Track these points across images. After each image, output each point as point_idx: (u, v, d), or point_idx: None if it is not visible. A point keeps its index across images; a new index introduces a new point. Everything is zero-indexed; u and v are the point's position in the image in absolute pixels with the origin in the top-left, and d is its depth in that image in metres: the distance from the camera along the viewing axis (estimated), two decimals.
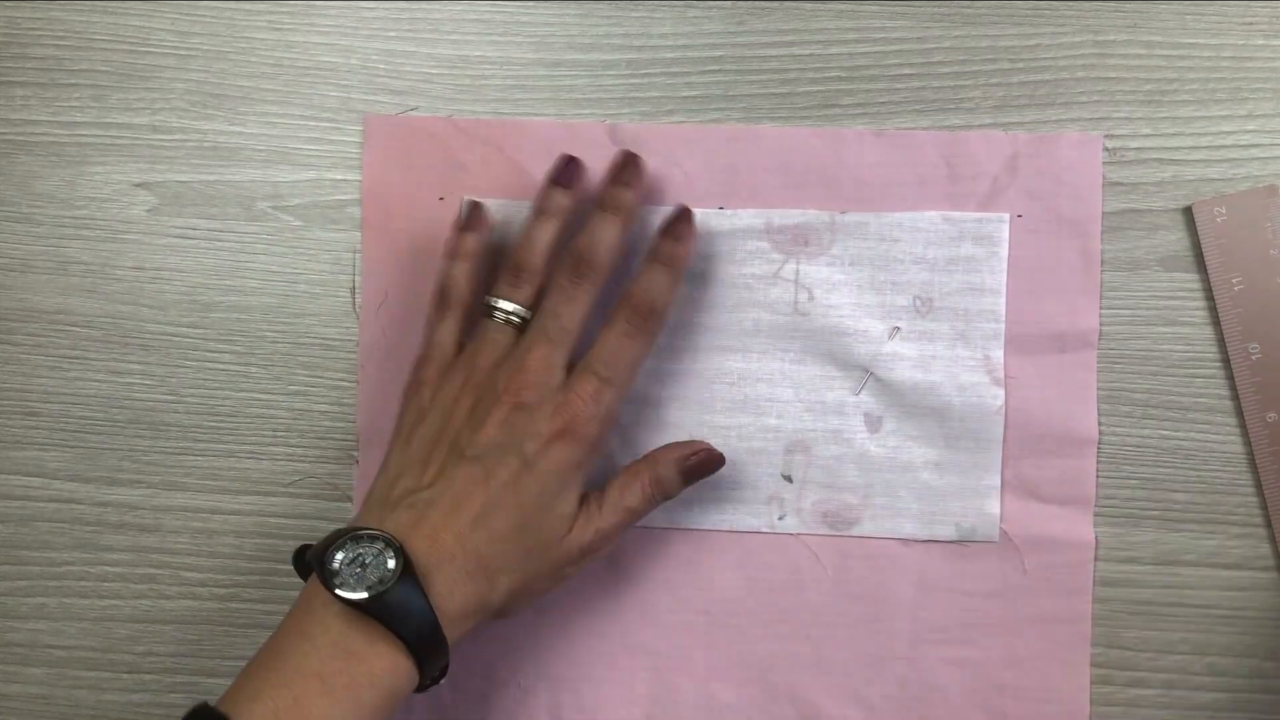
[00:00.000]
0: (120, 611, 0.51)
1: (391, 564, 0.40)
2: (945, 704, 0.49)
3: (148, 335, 0.51)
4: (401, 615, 0.40)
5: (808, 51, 0.50)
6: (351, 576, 0.40)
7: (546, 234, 0.46)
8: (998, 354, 0.49)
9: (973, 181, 0.49)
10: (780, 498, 0.49)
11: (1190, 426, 0.49)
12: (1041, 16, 0.49)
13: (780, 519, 0.49)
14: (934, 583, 0.49)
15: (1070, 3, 0.49)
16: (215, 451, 0.51)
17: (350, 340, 0.50)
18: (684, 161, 0.50)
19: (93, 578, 0.51)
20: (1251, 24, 0.49)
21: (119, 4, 0.51)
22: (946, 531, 0.49)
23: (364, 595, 0.39)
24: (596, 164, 0.49)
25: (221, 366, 0.51)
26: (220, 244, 0.51)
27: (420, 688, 0.42)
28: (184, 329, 0.51)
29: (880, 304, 0.49)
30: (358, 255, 0.50)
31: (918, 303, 0.49)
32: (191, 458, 0.51)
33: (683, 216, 0.47)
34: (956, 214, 0.49)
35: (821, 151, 0.49)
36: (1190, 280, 0.49)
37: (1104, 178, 0.49)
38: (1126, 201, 0.49)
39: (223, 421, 0.51)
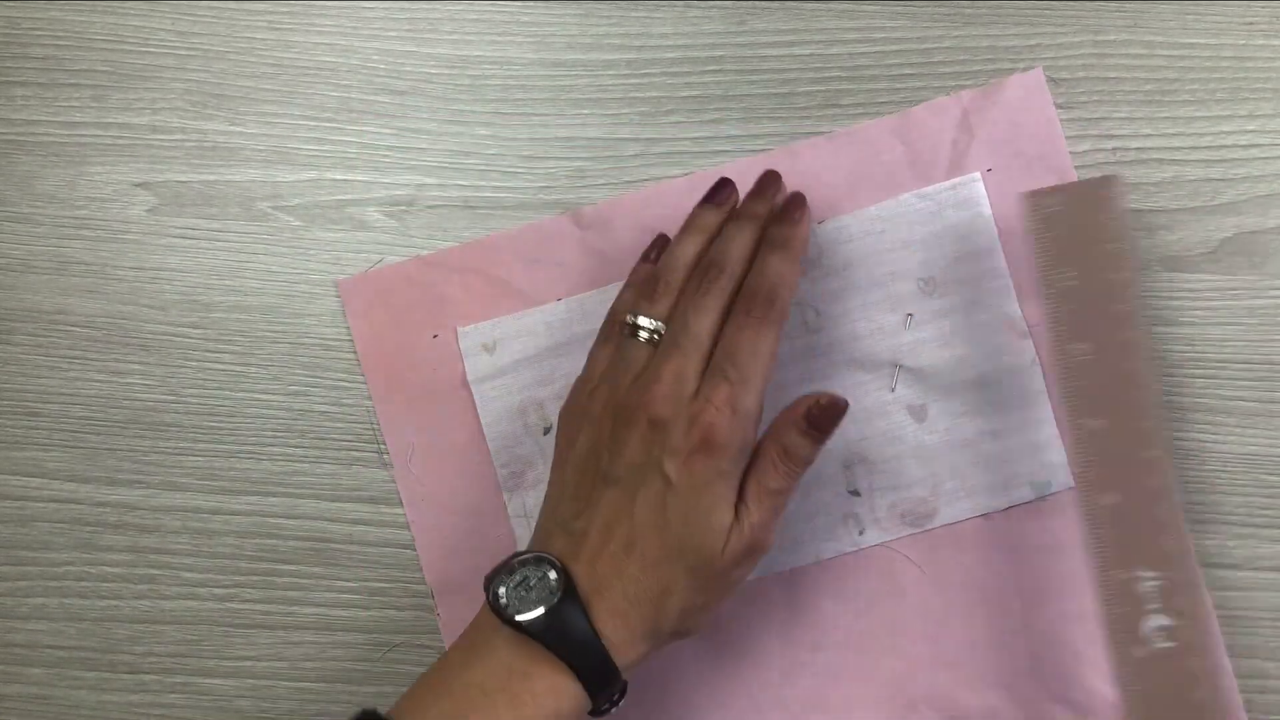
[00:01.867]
0: (120, 611, 0.51)
1: (554, 583, 0.40)
2: (1075, 658, 0.48)
3: (148, 335, 0.51)
4: (564, 636, 0.40)
5: (808, 51, 0.50)
6: (517, 599, 0.40)
7: (689, 249, 0.45)
8: (1013, 308, 0.48)
9: (933, 152, 0.49)
10: (854, 514, 0.49)
11: (1191, 426, 0.49)
12: (1041, 16, 0.49)
13: (860, 534, 0.49)
14: (1029, 546, 0.48)
15: (1070, 3, 0.49)
16: (215, 451, 0.51)
17: (348, 341, 0.50)
18: (655, 225, 0.49)
19: (92, 578, 0.51)
20: (1251, 24, 0.49)
21: (119, 4, 0.51)
22: (1023, 494, 0.48)
23: (527, 617, 0.40)
24: (568, 256, 0.50)
25: (221, 366, 0.51)
26: (220, 244, 0.51)
27: (598, 712, 0.42)
28: (184, 329, 0.51)
29: (887, 297, 0.49)
30: (373, 412, 0.50)
31: (922, 284, 0.49)
32: (191, 458, 0.51)
33: (794, 200, 0.46)
34: (928, 188, 0.49)
35: (782, 172, 0.49)
36: (1190, 280, 0.49)
37: (1061, 118, 0.49)
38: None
39: (222, 421, 0.51)
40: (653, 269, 0.46)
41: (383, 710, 0.40)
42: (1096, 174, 0.49)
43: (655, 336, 0.44)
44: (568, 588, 0.40)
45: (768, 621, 0.49)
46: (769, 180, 0.47)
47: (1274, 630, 0.48)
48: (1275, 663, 0.48)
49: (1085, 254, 0.46)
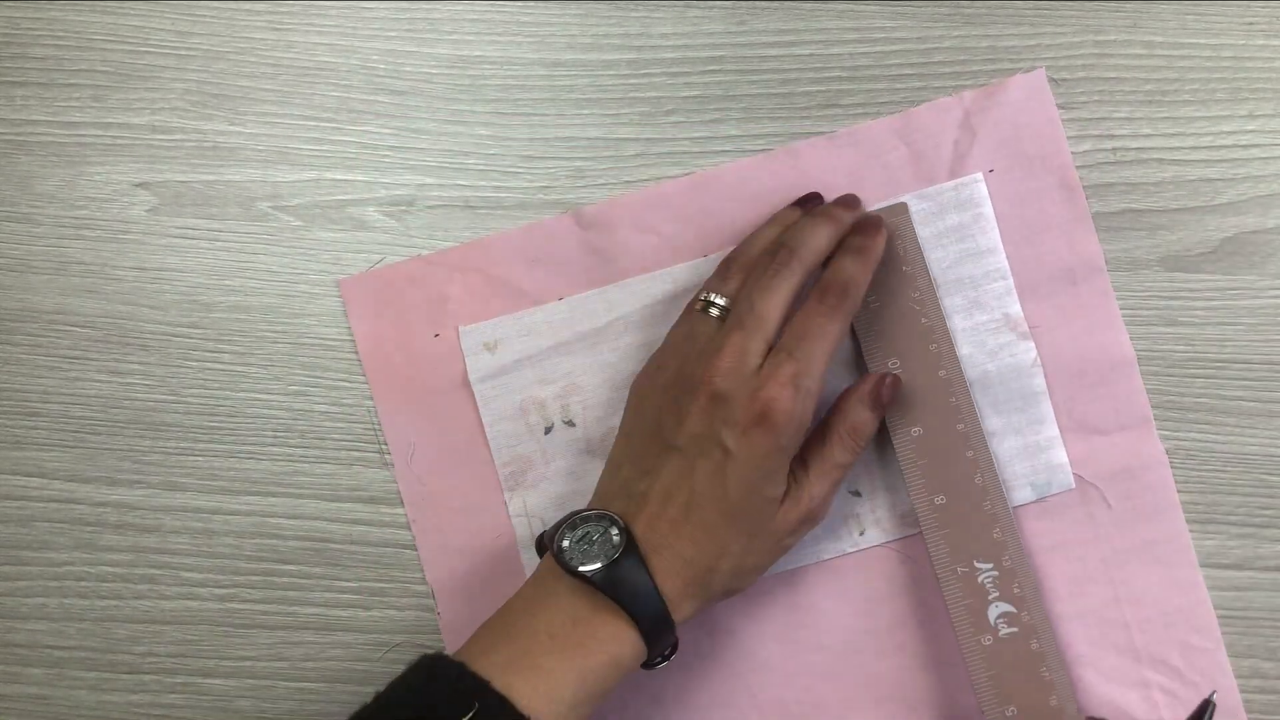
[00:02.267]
0: (120, 612, 0.51)
1: (616, 538, 0.42)
2: (1075, 659, 0.48)
3: (148, 335, 0.51)
4: (625, 588, 0.42)
5: (808, 51, 0.50)
6: (579, 553, 0.42)
7: (766, 235, 0.47)
8: (1015, 308, 0.49)
9: (935, 152, 0.49)
10: (855, 514, 0.49)
11: (1191, 427, 0.49)
12: (1041, 16, 0.49)
13: (862, 534, 0.49)
14: (1029, 547, 0.48)
15: (1070, 3, 0.49)
16: (215, 451, 0.51)
17: (348, 341, 0.50)
18: (657, 225, 0.50)
19: (93, 578, 0.51)
20: (1251, 24, 0.49)
21: (119, 4, 0.51)
22: (1023, 495, 0.48)
23: (591, 568, 0.42)
24: (569, 255, 0.50)
25: (221, 366, 0.51)
26: (220, 244, 0.51)
27: (650, 664, 0.44)
28: (184, 329, 0.51)
29: None
30: (374, 412, 0.50)
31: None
32: (191, 458, 0.51)
33: (873, 219, 0.47)
34: (930, 188, 0.49)
35: (783, 172, 0.49)
36: (1190, 280, 0.49)
37: (1061, 118, 0.49)
38: (1126, 201, 0.49)
39: (223, 421, 0.51)
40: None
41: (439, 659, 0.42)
42: (1097, 174, 0.49)
43: (724, 313, 0.46)
44: (629, 543, 0.42)
45: (768, 621, 0.49)
46: (851, 199, 0.48)
47: (1274, 630, 0.48)
48: (1275, 663, 0.48)
49: (883, 278, 0.48)
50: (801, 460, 0.45)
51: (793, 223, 0.47)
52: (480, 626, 0.43)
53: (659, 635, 0.43)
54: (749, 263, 0.46)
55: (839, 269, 0.45)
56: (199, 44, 0.51)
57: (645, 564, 0.42)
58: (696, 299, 0.47)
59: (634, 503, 0.44)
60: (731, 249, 0.49)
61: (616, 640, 0.42)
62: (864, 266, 0.46)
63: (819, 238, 0.46)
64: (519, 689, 0.40)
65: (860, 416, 0.46)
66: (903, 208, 0.49)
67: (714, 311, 0.46)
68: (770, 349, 0.44)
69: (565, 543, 0.43)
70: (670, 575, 0.43)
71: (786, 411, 0.43)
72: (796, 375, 0.43)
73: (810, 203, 0.49)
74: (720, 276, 0.46)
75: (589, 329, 0.50)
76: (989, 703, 0.46)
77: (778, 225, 0.48)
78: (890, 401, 0.47)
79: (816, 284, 0.45)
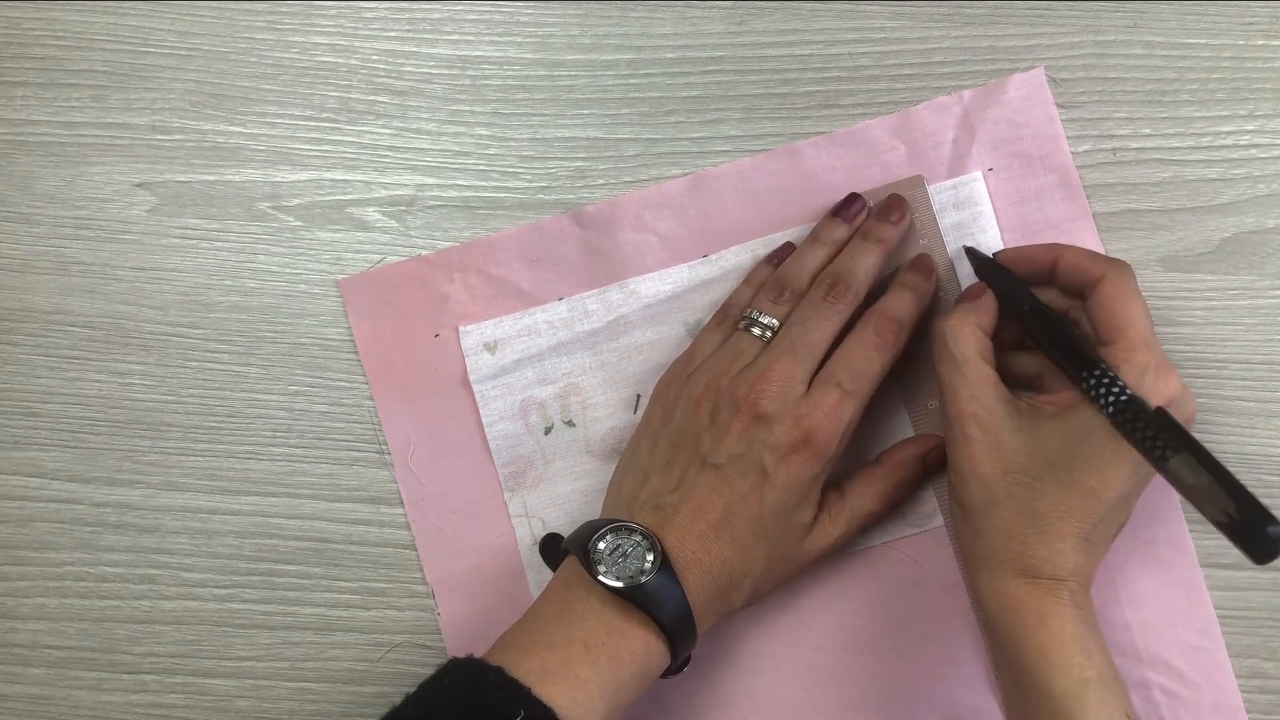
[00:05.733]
0: (120, 612, 0.51)
1: (650, 557, 0.42)
2: None
3: (148, 335, 0.51)
4: (660, 602, 0.42)
5: (808, 51, 0.50)
6: (613, 564, 0.42)
7: (816, 258, 0.47)
8: None
9: (934, 151, 0.49)
10: None
11: (1190, 426, 0.48)
12: (1041, 17, 0.49)
13: (861, 534, 0.49)
14: None
15: (1070, 3, 0.49)
16: (215, 451, 0.51)
17: (348, 341, 0.50)
18: (655, 225, 0.50)
19: (92, 578, 0.51)
20: (1251, 24, 0.49)
21: (119, 4, 0.51)
22: None
23: (626, 583, 0.42)
24: (569, 255, 0.50)
25: (221, 366, 0.51)
26: (220, 244, 0.51)
27: (664, 674, 0.44)
28: (184, 329, 0.51)
29: None
30: (374, 412, 0.50)
31: None
32: (191, 458, 0.51)
33: (923, 260, 0.48)
34: (930, 187, 0.49)
35: (782, 171, 0.49)
36: (1190, 280, 0.49)
37: (1061, 118, 0.49)
38: (1126, 201, 0.49)
39: (222, 421, 0.51)
40: (773, 271, 0.48)
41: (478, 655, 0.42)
42: (1097, 174, 0.49)
43: (768, 334, 0.46)
44: (664, 558, 0.43)
45: (769, 622, 0.49)
46: (895, 204, 0.48)
47: (1274, 630, 0.48)
48: (1275, 663, 0.48)
49: (900, 251, 0.48)
50: (840, 496, 0.46)
51: (837, 241, 0.47)
52: (510, 630, 0.43)
53: (684, 648, 0.43)
54: (801, 290, 0.46)
55: (896, 306, 0.46)
56: (199, 44, 0.51)
57: (678, 580, 0.42)
58: (739, 314, 0.47)
59: (664, 515, 0.44)
60: (760, 263, 0.49)
61: (647, 652, 0.42)
62: (917, 305, 0.46)
63: (870, 268, 0.46)
64: (558, 699, 0.40)
65: (910, 476, 0.47)
66: (918, 180, 0.49)
67: (757, 331, 0.46)
68: (813, 375, 0.45)
69: (597, 554, 0.43)
70: (698, 590, 0.43)
71: (826, 439, 0.43)
72: (840, 406, 0.44)
73: (851, 209, 0.48)
74: (771, 299, 0.46)
75: (589, 329, 0.50)
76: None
77: (826, 246, 0.47)
78: (940, 471, 0.48)
79: (871, 316, 0.45)
